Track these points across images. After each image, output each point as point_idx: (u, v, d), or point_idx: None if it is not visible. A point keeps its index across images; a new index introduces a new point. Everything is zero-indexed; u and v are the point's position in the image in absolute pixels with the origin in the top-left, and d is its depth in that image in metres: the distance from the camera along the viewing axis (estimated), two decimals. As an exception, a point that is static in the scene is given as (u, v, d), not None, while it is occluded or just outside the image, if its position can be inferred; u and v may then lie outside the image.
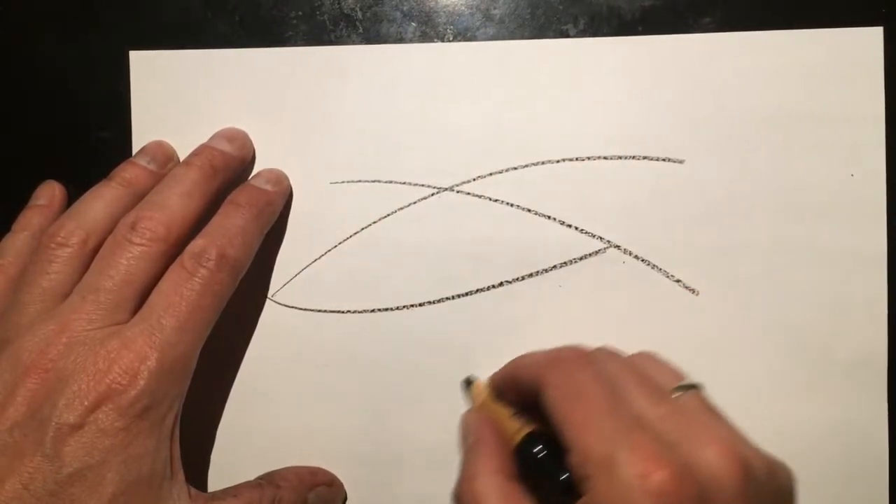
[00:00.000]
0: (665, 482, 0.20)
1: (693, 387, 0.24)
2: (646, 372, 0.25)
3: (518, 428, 0.25)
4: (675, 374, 0.26)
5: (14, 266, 0.29)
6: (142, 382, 0.24)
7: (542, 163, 0.31)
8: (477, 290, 0.31)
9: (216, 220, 0.28)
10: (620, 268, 0.30)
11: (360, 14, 0.32)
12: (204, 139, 0.31)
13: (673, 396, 0.24)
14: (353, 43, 0.32)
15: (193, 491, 0.26)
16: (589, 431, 0.22)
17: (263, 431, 0.31)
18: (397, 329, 0.31)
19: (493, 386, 0.29)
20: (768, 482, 0.22)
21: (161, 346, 0.25)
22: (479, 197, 0.31)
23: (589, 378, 0.24)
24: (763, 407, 0.30)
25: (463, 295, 0.31)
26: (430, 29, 0.31)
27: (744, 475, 0.21)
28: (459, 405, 0.31)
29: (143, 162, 0.30)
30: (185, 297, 0.26)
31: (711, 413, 0.23)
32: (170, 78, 0.32)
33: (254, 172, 0.31)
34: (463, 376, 0.31)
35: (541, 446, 0.24)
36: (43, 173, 0.32)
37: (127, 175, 0.29)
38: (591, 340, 0.30)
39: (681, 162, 0.30)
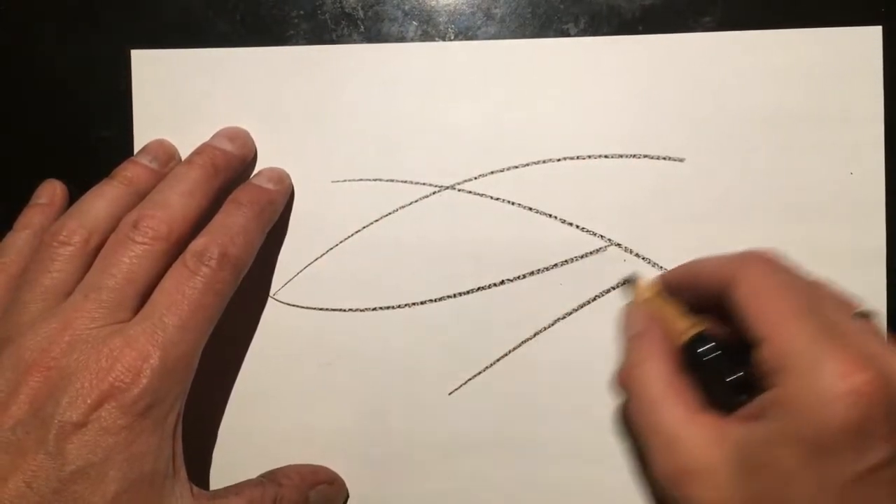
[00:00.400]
0: (865, 384, 0.21)
1: (871, 314, 0.25)
2: (835, 292, 0.26)
3: (688, 325, 0.26)
4: (851, 300, 0.26)
5: (15, 265, 0.29)
6: (144, 381, 0.24)
7: (543, 161, 0.31)
8: (478, 289, 0.31)
9: (218, 219, 0.28)
10: (621, 266, 0.30)
11: (361, 13, 0.32)
12: (205, 138, 0.31)
13: (859, 318, 0.24)
14: (355, 42, 0.32)
15: (195, 489, 0.26)
16: (787, 327, 0.22)
17: (265, 430, 0.31)
18: (399, 327, 0.31)
19: (663, 284, 0.29)
20: None
21: (164, 344, 0.25)
22: (481, 196, 0.31)
23: (785, 279, 0.24)
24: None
25: (464, 293, 0.31)
26: (431, 28, 0.32)
27: None
28: (461, 403, 0.31)
29: (144, 161, 0.30)
30: (187, 295, 0.26)
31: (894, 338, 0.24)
32: (171, 77, 0.32)
33: (255, 171, 0.31)
34: (464, 374, 0.31)
35: (714, 343, 0.25)
36: (44, 172, 0.32)
37: (128, 174, 0.29)
38: (592, 339, 0.30)
39: (681, 161, 0.30)
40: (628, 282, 0.30)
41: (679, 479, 0.23)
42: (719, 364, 0.25)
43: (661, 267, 0.30)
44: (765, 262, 0.25)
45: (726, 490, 0.22)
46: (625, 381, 0.26)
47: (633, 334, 0.27)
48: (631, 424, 0.26)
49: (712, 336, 0.26)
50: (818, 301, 0.24)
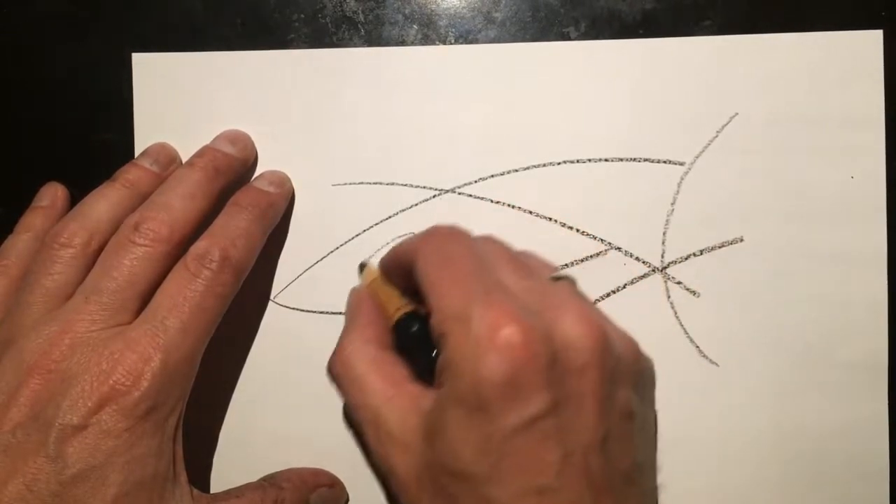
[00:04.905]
0: (513, 335, 0.21)
1: (567, 278, 0.25)
2: (522, 258, 0.26)
3: (399, 307, 0.26)
4: (552, 267, 0.26)
5: (17, 267, 0.29)
6: (145, 384, 0.24)
7: (543, 165, 0.31)
8: (478, 292, 0.31)
9: (219, 222, 0.28)
10: (621, 270, 0.30)
11: (361, 17, 0.32)
12: (206, 141, 0.31)
13: (545, 280, 0.25)
14: (355, 45, 0.32)
15: (196, 492, 0.26)
16: (451, 292, 0.23)
17: (265, 433, 0.31)
18: (399, 330, 0.31)
19: (382, 269, 0.29)
20: (630, 362, 0.23)
21: (165, 347, 0.25)
22: (481, 199, 0.31)
23: (459, 248, 0.24)
24: (764, 408, 0.30)
25: (464, 296, 0.31)
26: (431, 32, 0.32)
27: (601, 346, 0.22)
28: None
29: (145, 163, 0.30)
30: (188, 298, 0.26)
31: (579, 297, 0.24)
32: (172, 80, 0.32)
33: (256, 174, 0.31)
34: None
35: (417, 324, 0.25)
36: (45, 175, 0.32)
37: (130, 176, 0.29)
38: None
39: (681, 164, 0.30)
40: (361, 268, 0.30)
41: (383, 451, 0.24)
42: (423, 342, 0.25)
43: (661, 271, 0.30)
44: (440, 235, 0.25)
45: (419, 457, 0.22)
46: (332, 365, 0.26)
47: (346, 319, 0.28)
48: (345, 408, 0.26)
49: (420, 315, 0.26)
50: (492, 265, 0.24)
